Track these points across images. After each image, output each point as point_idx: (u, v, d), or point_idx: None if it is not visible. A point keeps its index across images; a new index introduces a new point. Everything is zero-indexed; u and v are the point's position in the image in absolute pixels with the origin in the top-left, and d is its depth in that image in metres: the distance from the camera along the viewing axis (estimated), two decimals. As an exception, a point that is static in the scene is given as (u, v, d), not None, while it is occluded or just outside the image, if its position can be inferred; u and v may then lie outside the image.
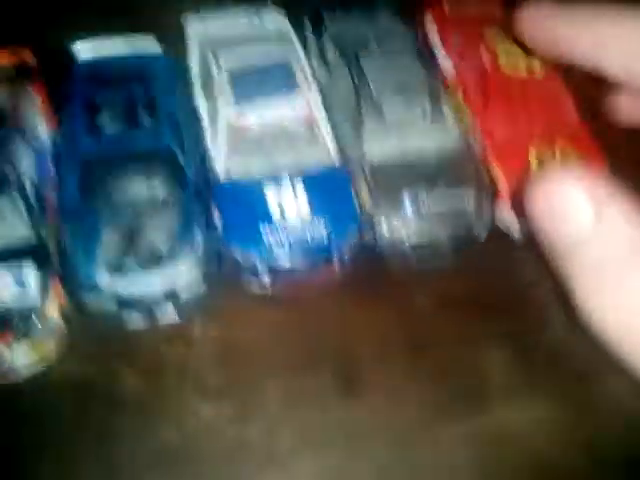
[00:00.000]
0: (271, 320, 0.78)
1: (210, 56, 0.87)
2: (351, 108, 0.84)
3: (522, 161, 0.89)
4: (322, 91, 0.92)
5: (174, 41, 0.97)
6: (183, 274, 0.77)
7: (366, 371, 0.74)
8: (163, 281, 0.76)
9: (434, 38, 1.02)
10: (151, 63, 0.92)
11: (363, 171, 0.83)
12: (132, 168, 0.81)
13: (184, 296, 0.78)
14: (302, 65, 0.84)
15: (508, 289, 0.81)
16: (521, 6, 0.64)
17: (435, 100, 0.83)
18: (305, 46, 0.96)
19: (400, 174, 0.83)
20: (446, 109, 0.84)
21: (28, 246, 0.71)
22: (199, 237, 0.78)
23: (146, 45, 0.95)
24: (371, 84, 0.80)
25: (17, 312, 0.70)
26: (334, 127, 0.89)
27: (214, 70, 0.85)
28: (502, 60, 0.94)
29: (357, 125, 0.84)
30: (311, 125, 0.81)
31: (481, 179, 0.83)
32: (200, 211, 0.79)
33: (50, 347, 0.72)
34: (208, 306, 0.78)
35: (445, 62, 0.99)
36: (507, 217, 0.86)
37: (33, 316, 0.70)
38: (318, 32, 0.96)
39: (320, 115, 0.83)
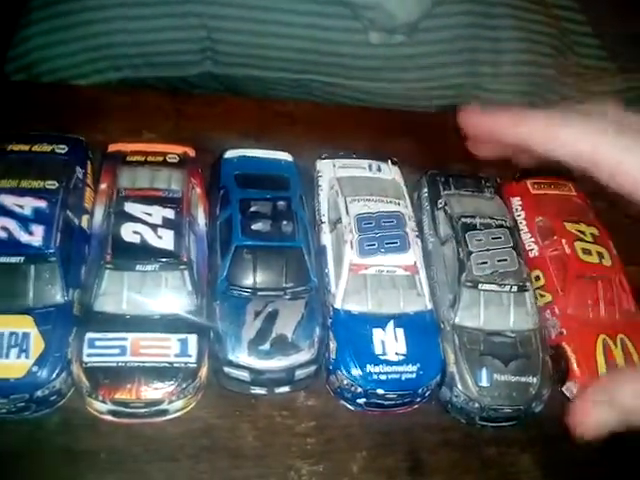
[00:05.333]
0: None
1: (340, 200, 1.07)
2: (452, 276, 1.05)
3: (591, 346, 1.09)
4: (431, 252, 1.14)
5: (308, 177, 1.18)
6: (301, 358, 0.98)
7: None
8: (286, 362, 0.97)
9: (521, 219, 1.23)
10: (288, 170, 1.13)
11: (452, 333, 1.03)
12: (272, 260, 1.03)
13: (298, 374, 0.99)
14: (412, 224, 1.05)
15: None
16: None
17: (521, 285, 1.04)
18: (421, 208, 1.17)
19: (482, 345, 1.03)
20: (528, 294, 1.04)
21: (193, 322, 0.92)
22: (317, 330, 0.99)
23: (283, 156, 1.17)
24: (472, 262, 1.01)
25: (181, 374, 0.91)
26: (433, 282, 1.10)
27: (343, 213, 1.06)
28: (578, 249, 1.14)
29: (454, 293, 1.04)
30: (414, 276, 1.02)
31: (545, 366, 1.03)
32: (319, 308, 1.00)
33: (195, 400, 0.94)
34: (314, 384, 0.99)
35: (529, 244, 1.20)
36: (574, 393, 1.07)
37: (192, 378, 0.91)
38: (434, 203, 1.17)
39: (422, 270, 1.04)
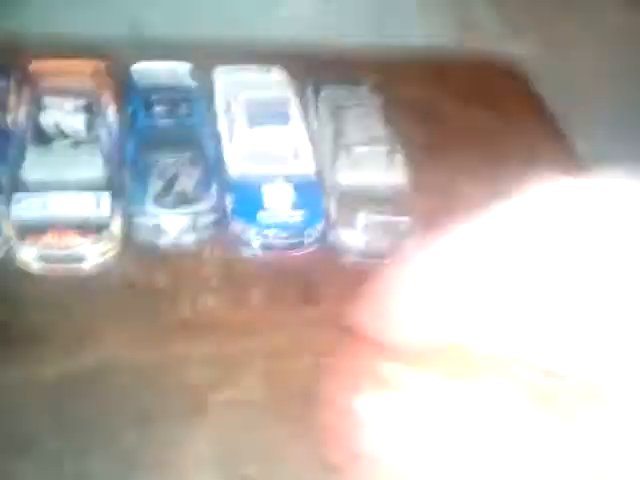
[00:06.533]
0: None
1: (231, 92, 1.28)
2: (331, 147, 1.25)
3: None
4: (314, 133, 1.34)
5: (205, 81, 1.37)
6: (201, 207, 1.17)
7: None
8: (188, 210, 1.15)
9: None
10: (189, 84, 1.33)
11: (334, 192, 1.23)
12: (173, 139, 1.22)
13: (201, 222, 1.17)
14: (294, 107, 1.26)
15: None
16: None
17: (391, 151, 1.23)
18: (306, 103, 1.38)
19: (359, 198, 1.23)
20: (398, 157, 1.24)
21: (104, 183, 1.11)
22: (214, 186, 1.18)
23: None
24: (346, 133, 1.21)
25: (95, 223, 1.10)
26: (317, 156, 1.30)
27: (232, 101, 1.26)
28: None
29: (333, 160, 1.24)
30: (297, 148, 1.22)
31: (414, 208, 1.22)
32: (216, 173, 1.19)
33: (112, 251, 1.11)
34: (215, 238, 1.17)
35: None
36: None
37: (105, 228, 1.09)
38: (316, 96, 1.37)
39: (305, 143, 1.24)
